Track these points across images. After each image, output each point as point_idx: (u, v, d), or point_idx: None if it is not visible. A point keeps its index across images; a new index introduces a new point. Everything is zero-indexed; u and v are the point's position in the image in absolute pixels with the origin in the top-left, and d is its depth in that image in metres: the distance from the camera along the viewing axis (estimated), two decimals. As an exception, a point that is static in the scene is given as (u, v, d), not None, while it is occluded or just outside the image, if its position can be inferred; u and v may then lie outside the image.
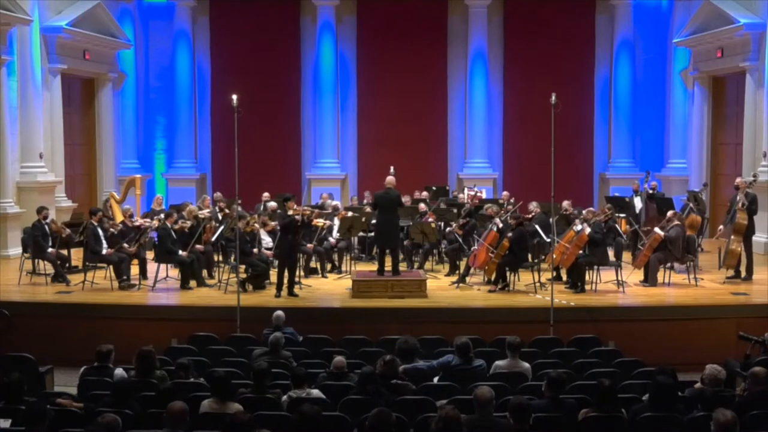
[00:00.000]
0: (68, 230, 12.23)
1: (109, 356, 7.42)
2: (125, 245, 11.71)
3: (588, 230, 10.95)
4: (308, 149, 18.47)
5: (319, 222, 12.51)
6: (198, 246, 11.73)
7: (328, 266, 12.96)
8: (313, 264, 12.82)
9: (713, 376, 6.61)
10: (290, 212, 10.99)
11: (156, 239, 11.89)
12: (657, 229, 11.39)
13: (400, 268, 11.36)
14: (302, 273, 12.14)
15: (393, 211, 11.27)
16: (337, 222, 13.06)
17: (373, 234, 13.03)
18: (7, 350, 8.86)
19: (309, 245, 12.22)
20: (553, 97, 9.52)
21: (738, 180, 12.18)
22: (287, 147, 18.29)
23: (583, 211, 12.14)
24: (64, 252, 12.43)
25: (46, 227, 11.78)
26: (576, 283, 11.20)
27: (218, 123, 17.92)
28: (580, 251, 11.07)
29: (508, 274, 11.40)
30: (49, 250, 11.68)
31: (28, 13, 14.29)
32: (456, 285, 11.68)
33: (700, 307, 10.35)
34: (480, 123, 17.99)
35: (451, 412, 5.09)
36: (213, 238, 12.08)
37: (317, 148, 18.27)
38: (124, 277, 11.51)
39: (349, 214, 13.04)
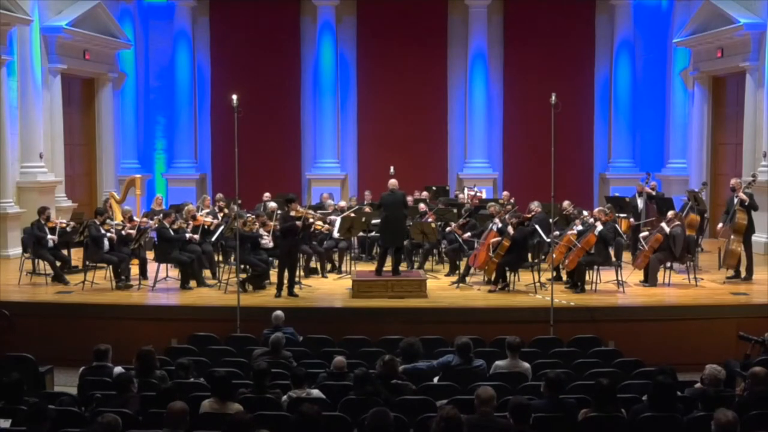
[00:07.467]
0: (71, 223, 12.29)
1: (107, 354, 7.44)
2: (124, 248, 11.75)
3: (599, 228, 10.91)
4: (308, 149, 18.46)
5: (319, 225, 12.50)
6: (195, 235, 11.81)
7: (328, 266, 12.97)
8: (313, 264, 12.83)
9: (713, 376, 6.61)
10: (293, 213, 10.99)
11: (156, 239, 11.89)
12: (664, 224, 11.36)
13: (400, 268, 11.37)
14: (302, 273, 12.14)
15: (398, 209, 11.29)
16: (338, 222, 13.04)
17: (373, 234, 13.06)
18: (7, 350, 8.87)
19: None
20: (553, 98, 9.53)
21: (733, 180, 12.14)
22: (287, 147, 18.27)
23: (585, 212, 12.14)
24: (64, 252, 12.45)
25: (46, 228, 11.78)
26: (576, 283, 11.19)
27: (218, 123, 17.90)
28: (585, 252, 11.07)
29: (508, 274, 11.40)
30: (49, 237, 11.73)
31: (28, 13, 14.29)
32: (456, 285, 11.68)
33: (700, 307, 10.35)
34: (480, 123, 17.98)
35: (451, 412, 5.08)
36: (213, 238, 12.09)
37: (317, 148, 18.26)
38: (122, 278, 11.53)
39: (352, 213, 13.04)
